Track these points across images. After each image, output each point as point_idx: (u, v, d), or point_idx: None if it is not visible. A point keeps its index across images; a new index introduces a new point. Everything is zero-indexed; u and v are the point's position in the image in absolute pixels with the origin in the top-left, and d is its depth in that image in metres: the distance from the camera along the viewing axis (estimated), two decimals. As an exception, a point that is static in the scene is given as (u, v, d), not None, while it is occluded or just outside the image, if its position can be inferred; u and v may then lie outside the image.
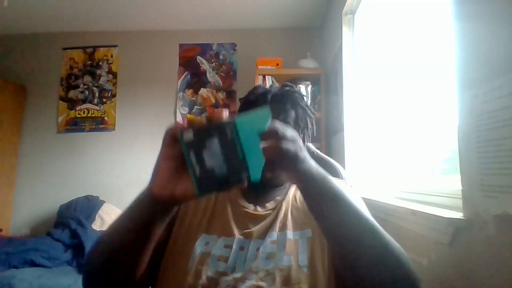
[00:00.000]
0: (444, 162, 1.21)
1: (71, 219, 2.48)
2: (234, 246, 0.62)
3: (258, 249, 0.62)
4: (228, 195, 0.72)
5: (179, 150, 0.41)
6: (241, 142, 0.40)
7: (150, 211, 0.48)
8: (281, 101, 0.72)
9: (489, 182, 0.66)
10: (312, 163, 0.50)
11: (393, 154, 1.62)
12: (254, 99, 0.73)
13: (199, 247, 0.62)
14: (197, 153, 0.40)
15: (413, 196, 1.20)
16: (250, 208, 0.70)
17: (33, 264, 2.13)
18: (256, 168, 0.42)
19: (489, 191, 0.66)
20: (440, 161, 1.24)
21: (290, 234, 0.64)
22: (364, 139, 1.85)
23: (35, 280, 1.89)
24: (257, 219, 0.68)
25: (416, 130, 1.43)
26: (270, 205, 0.71)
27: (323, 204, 0.49)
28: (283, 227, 0.66)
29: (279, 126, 0.46)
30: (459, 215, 0.78)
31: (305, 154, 0.48)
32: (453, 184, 0.90)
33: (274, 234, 0.64)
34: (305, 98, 0.78)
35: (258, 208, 0.70)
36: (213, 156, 0.40)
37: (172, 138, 0.42)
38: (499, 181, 0.63)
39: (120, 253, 0.51)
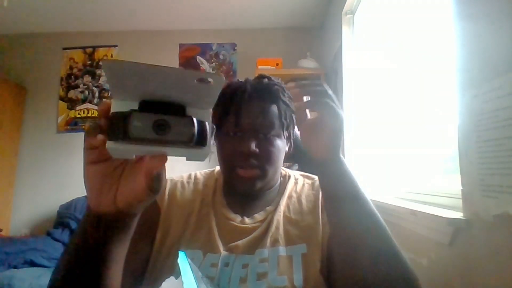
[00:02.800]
0: (444, 162, 1.21)
1: (71, 219, 2.48)
2: (219, 264, 0.56)
3: (245, 266, 0.56)
4: (213, 204, 0.66)
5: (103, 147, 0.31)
6: None
7: (99, 232, 0.37)
8: (260, 96, 0.63)
9: (489, 182, 0.66)
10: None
11: (393, 154, 1.62)
12: (230, 94, 0.63)
13: None
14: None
15: (413, 196, 1.20)
16: (237, 220, 0.63)
17: (33, 264, 2.12)
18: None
19: (489, 191, 0.66)
20: (440, 161, 1.24)
21: (282, 250, 0.58)
22: (364, 139, 1.84)
23: (35, 280, 1.89)
24: (244, 232, 0.61)
25: (416, 130, 1.43)
26: (259, 216, 0.64)
27: (338, 189, 0.50)
28: (275, 243, 0.59)
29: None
30: (459, 215, 0.78)
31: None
32: (453, 184, 0.90)
33: (265, 251, 0.58)
34: (286, 90, 0.66)
35: (246, 220, 0.64)
36: None
37: (94, 136, 0.32)
38: (499, 181, 0.63)
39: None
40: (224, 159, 0.64)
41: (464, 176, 0.75)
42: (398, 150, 1.58)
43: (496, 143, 0.64)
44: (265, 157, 0.61)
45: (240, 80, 0.68)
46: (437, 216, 0.83)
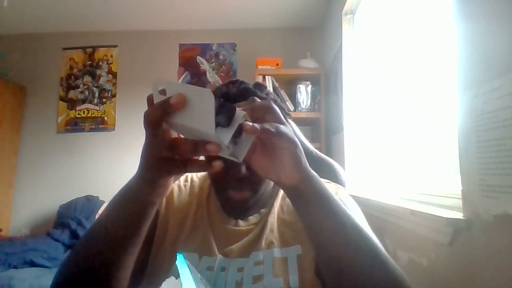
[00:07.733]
0: (444, 162, 1.21)
1: (71, 219, 2.48)
2: (215, 268, 0.57)
3: (240, 270, 0.56)
4: (207, 207, 0.66)
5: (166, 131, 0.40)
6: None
7: (145, 193, 0.44)
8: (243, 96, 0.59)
9: (489, 182, 0.66)
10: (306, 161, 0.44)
11: (393, 154, 1.62)
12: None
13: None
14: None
15: (413, 196, 1.20)
16: (231, 222, 0.63)
17: (33, 264, 2.12)
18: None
19: (489, 191, 0.66)
20: (440, 161, 1.24)
21: (277, 252, 0.58)
22: (364, 139, 1.85)
23: (35, 280, 1.89)
24: (239, 235, 0.61)
25: (416, 129, 1.43)
26: (253, 218, 0.64)
27: (317, 208, 0.43)
28: (270, 245, 0.59)
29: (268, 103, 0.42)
30: (459, 215, 0.78)
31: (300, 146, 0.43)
32: (453, 184, 0.90)
33: (260, 254, 0.58)
34: (263, 87, 0.65)
35: (240, 222, 0.63)
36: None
37: (155, 123, 0.39)
38: (499, 181, 0.63)
39: (104, 254, 0.46)
40: (215, 181, 0.63)
41: (464, 176, 0.75)
42: (398, 150, 1.58)
43: (496, 143, 0.64)
44: (257, 180, 0.59)
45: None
46: (437, 216, 0.83)
